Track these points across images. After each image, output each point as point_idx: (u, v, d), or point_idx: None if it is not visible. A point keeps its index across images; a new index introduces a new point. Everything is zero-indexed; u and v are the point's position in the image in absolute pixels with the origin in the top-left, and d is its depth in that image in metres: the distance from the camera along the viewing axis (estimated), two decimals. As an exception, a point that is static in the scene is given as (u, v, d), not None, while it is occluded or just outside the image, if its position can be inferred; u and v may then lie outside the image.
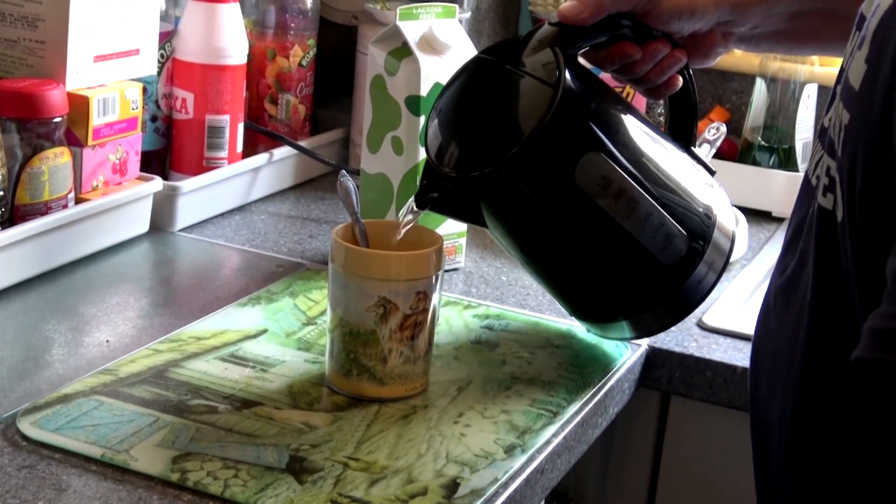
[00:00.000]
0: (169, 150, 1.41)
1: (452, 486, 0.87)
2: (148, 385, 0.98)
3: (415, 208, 0.99)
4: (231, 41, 1.38)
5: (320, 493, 0.84)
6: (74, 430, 0.90)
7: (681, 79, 1.07)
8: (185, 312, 1.14)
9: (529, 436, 0.95)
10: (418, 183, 1.22)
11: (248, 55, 1.42)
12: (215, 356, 1.04)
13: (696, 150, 1.10)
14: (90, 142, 1.23)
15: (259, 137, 1.50)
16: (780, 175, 1.55)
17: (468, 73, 1.03)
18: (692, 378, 1.14)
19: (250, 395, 0.98)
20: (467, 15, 1.61)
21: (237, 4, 1.40)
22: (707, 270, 1.04)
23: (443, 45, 1.22)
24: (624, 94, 1.36)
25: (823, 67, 1.58)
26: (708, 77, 1.72)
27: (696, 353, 1.14)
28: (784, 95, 1.54)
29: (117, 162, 1.28)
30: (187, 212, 1.36)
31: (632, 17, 1.02)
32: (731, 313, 1.23)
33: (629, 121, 1.02)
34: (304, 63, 1.52)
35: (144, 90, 1.32)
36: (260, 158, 1.46)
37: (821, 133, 0.81)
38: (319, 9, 1.54)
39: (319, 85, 1.57)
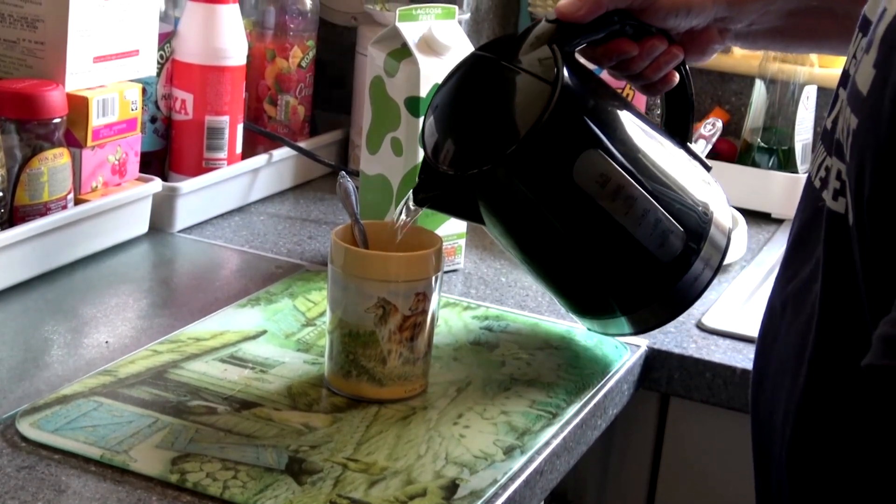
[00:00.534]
0: (168, 151, 1.41)
1: (452, 488, 0.87)
2: (147, 386, 0.98)
3: (412, 206, 0.99)
4: (230, 42, 1.38)
5: (319, 495, 0.84)
6: (74, 431, 0.90)
7: (677, 75, 1.07)
8: (185, 313, 1.14)
9: (529, 437, 0.95)
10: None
11: (248, 56, 1.42)
12: (214, 357, 1.04)
13: (693, 145, 1.10)
14: (89, 143, 1.23)
15: (258, 138, 1.50)
16: (780, 176, 1.55)
17: (465, 70, 1.03)
18: (691, 379, 1.14)
19: (249, 396, 0.98)
20: (466, 16, 1.61)
21: (237, 5, 1.40)
22: (703, 267, 1.04)
23: (442, 47, 1.22)
24: (623, 93, 1.36)
25: (823, 69, 1.58)
26: (707, 78, 1.72)
27: (696, 355, 1.14)
28: (783, 97, 1.54)
29: (116, 163, 1.28)
30: (187, 213, 1.36)
31: (629, 14, 1.02)
32: (730, 314, 1.23)
33: (626, 118, 1.02)
34: (303, 64, 1.52)
35: (144, 91, 1.32)
36: (259, 159, 1.46)
37: (823, 135, 0.81)
38: (319, 10, 1.54)
39: (319, 86, 1.57)
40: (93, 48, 1.24)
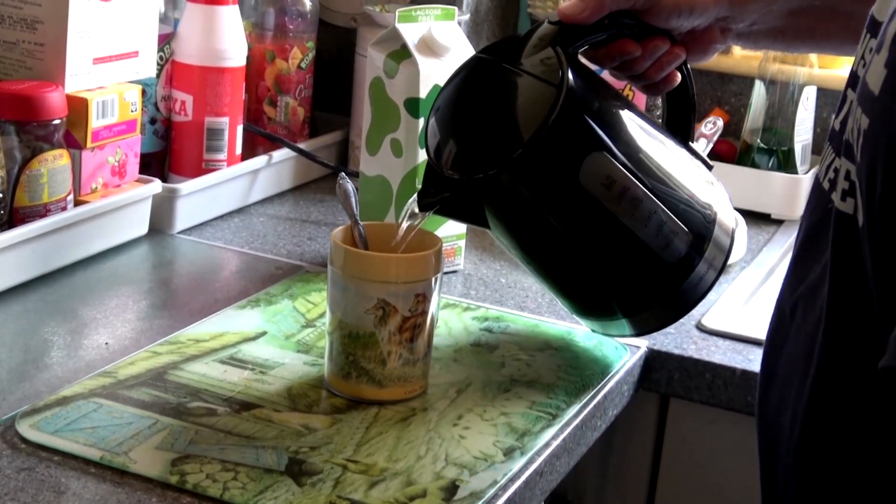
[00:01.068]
0: (168, 153, 1.41)
1: (451, 489, 0.87)
2: (147, 387, 0.98)
3: (416, 211, 0.99)
4: (230, 43, 1.38)
5: (319, 496, 0.84)
6: (73, 433, 0.90)
7: (679, 75, 1.07)
8: (185, 315, 1.14)
9: (528, 438, 0.95)
10: (418, 185, 1.22)
11: (247, 57, 1.42)
12: (214, 358, 1.04)
13: (694, 145, 1.10)
14: (89, 144, 1.23)
15: (258, 139, 1.50)
16: (779, 177, 1.55)
17: (467, 73, 1.03)
18: (691, 380, 1.14)
19: (249, 397, 0.98)
20: (466, 17, 1.61)
21: (236, 7, 1.40)
22: (707, 268, 1.04)
23: (442, 48, 1.22)
24: (623, 93, 1.36)
25: (823, 70, 1.58)
26: (707, 79, 1.72)
27: (696, 356, 1.14)
28: (783, 97, 1.54)
29: (116, 164, 1.28)
30: (186, 214, 1.36)
31: (631, 15, 1.02)
32: (730, 315, 1.23)
33: (630, 119, 1.02)
34: (303, 65, 1.52)
35: (143, 92, 1.32)
36: (259, 161, 1.46)
37: (831, 136, 0.81)
38: (318, 11, 1.54)
39: (318, 87, 1.57)
40: (92, 49, 1.24)
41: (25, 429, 0.90)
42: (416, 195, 1.00)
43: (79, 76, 1.23)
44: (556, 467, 0.97)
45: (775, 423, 0.85)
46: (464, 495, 0.86)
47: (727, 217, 1.06)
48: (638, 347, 1.13)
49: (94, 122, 1.23)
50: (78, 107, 1.21)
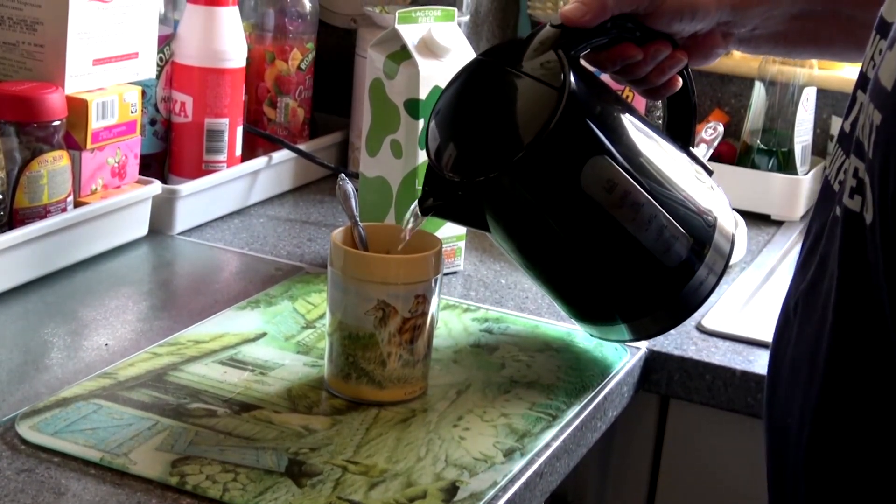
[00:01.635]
0: (168, 154, 1.41)
1: (451, 490, 0.87)
2: (147, 388, 0.98)
3: (418, 214, 0.99)
4: (230, 44, 1.38)
5: (319, 497, 0.84)
6: (73, 434, 0.90)
7: (680, 79, 1.07)
8: (184, 316, 1.14)
9: (529, 439, 0.95)
10: (417, 186, 1.22)
11: (247, 58, 1.42)
12: (214, 360, 1.04)
13: (694, 150, 1.10)
14: (89, 145, 1.23)
15: (258, 141, 1.50)
16: (779, 178, 1.55)
17: (468, 76, 1.03)
18: (691, 381, 1.14)
19: (249, 398, 0.98)
20: (466, 18, 1.61)
21: (236, 8, 1.40)
22: (708, 273, 1.04)
23: (442, 49, 1.22)
24: (623, 96, 1.36)
25: (822, 71, 1.59)
26: (707, 80, 1.72)
27: (696, 357, 1.14)
28: (783, 98, 1.54)
29: (116, 165, 1.28)
30: (186, 215, 1.36)
31: (634, 19, 1.02)
32: (730, 316, 1.23)
33: (632, 123, 1.02)
34: (302, 66, 1.52)
35: (143, 93, 1.32)
36: (259, 162, 1.46)
37: (840, 137, 0.81)
38: (318, 12, 1.54)
39: (318, 88, 1.57)
40: (92, 51, 1.24)
41: (25, 430, 0.90)
42: (418, 199, 0.99)
43: (79, 77, 1.23)
44: (556, 468, 0.97)
45: (783, 422, 0.84)
46: (464, 496, 0.86)
47: (727, 222, 1.06)
48: (638, 349, 1.13)
49: (94, 124, 1.23)
50: (78, 108, 1.22)
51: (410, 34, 1.22)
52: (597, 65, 1.04)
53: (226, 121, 1.40)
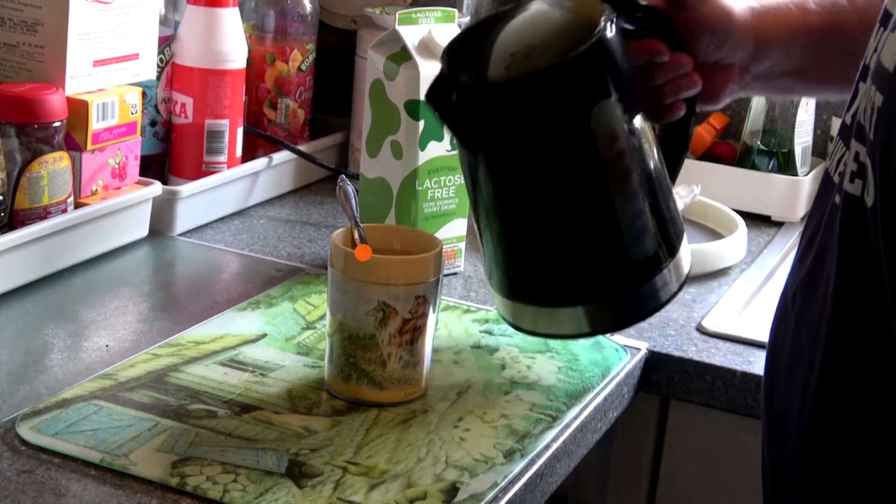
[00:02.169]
0: (168, 155, 1.41)
1: (452, 491, 0.87)
2: (147, 389, 0.98)
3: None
4: (230, 45, 1.39)
5: (319, 498, 0.84)
6: (74, 435, 0.90)
7: (684, 108, 1.03)
8: (185, 317, 1.14)
9: (529, 440, 0.95)
10: (418, 188, 1.22)
11: (248, 59, 1.42)
12: (214, 361, 1.04)
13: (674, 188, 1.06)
14: (89, 146, 1.23)
15: (258, 142, 1.50)
16: (779, 179, 1.55)
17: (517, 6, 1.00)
18: (691, 382, 1.14)
19: (249, 399, 0.98)
20: (466, 19, 1.61)
21: (236, 9, 1.40)
22: (663, 285, 0.98)
23: (442, 50, 1.22)
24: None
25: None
26: (707, 81, 1.71)
27: (696, 358, 1.14)
28: (783, 99, 1.54)
29: (116, 166, 1.28)
30: (186, 216, 1.36)
31: (669, 21, 0.99)
32: (730, 318, 1.23)
33: (642, 107, 0.99)
34: (303, 67, 1.52)
35: (144, 94, 1.32)
36: (259, 163, 1.46)
37: (841, 131, 0.81)
38: (319, 13, 1.54)
39: (319, 89, 1.57)
40: (92, 52, 1.24)
41: (26, 431, 0.90)
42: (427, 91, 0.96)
43: (79, 78, 1.23)
44: (556, 469, 0.97)
45: (783, 412, 0.84)
46: (464, 497, 0.86)
47: (687, 256, 1.03)
48: (638, 350, 1.13)
49: (95, 125, 1.23)
50: (78, 109, 1.22)
51: (411, 35, 1.22)
52: None
53: (226, 122, 1.40)
